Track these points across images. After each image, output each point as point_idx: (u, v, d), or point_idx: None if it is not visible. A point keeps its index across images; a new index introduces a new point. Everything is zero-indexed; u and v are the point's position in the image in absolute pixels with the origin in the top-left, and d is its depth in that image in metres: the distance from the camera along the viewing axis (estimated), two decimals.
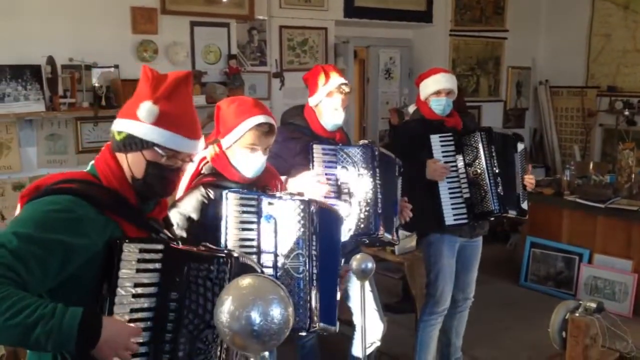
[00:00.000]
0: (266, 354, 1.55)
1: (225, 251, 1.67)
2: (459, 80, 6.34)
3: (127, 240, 1.49)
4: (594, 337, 2.48)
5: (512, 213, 3.21)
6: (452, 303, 3.38)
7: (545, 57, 7.02)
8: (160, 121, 1.58)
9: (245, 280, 1.29)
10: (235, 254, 1.64)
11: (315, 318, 2.09)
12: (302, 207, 2.09)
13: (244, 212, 2.08)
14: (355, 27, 5.83)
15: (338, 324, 2.19)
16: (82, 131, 4.07)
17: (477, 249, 3.38)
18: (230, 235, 2.05)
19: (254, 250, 2.07)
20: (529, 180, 3.31)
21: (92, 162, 1.65)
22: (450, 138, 3.13)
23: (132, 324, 1.47)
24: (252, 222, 2.09)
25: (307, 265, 2.08)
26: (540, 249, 5.15)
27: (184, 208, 2.15)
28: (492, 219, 3.23)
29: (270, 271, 2.07)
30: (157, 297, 1.52)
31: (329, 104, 2.80)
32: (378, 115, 6.39)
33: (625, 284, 4.59)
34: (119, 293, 1.45)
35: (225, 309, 1.25)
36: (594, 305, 2.49)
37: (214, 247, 1.68)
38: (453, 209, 3.10)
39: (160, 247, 1.54)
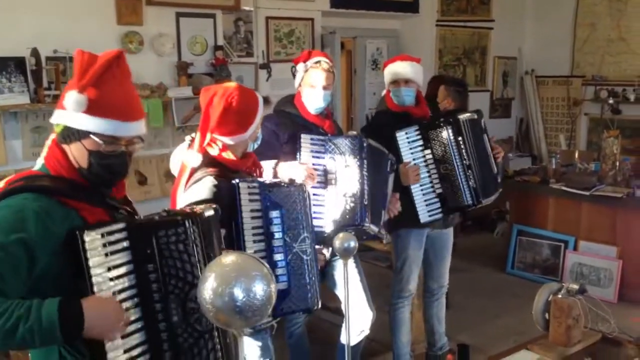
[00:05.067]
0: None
1: (187, 210, 1.70)
2: (446, 71, 6.40)
3: (86, 229, 1.47)
4: (577, 318, 2.51)
5: (487, 202, 3.17)
6: (428, 292, 3.47)
7: (531, 47, 7.06)
8: (91, 109, 1.54)
9: (229, 258, 1.30)
10: (198, 210, 1.67)
11: (319, 296, 2.25)
12: (299, 191, 2.26)
13: (251, 200, 2.19)
14: (342, 17, 5.83)
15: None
16: None
17: (447, 240, 3.40)
18: (246, 225, 2.15)
19: (262, 238, 2.18)
20: (498, 152, 3.25)
21: (42, 161, 1.62)
22: (417, 133, 3.05)
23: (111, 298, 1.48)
24: (259, 210, 2.20)
25: (310, 247, 2.24)
26: (527, 237, 5.20)
27: (199, 197, 2.13)
28: (468, 210, 3.22)
29: (281, 256, 2.19)
30: (135, 274, 1.54)
31: (306, 80, 2.77)
32: (365, 106, 6.40)
33: (610, 270, 4.65)
34: (95, 281, 1.46)
35: (209, 285, 1.27)
36: (576, 286, 2.52)
37: (175, 209, 1.71)
38: (427, 205, 3.08)
39: (121, 225, 1.54)
